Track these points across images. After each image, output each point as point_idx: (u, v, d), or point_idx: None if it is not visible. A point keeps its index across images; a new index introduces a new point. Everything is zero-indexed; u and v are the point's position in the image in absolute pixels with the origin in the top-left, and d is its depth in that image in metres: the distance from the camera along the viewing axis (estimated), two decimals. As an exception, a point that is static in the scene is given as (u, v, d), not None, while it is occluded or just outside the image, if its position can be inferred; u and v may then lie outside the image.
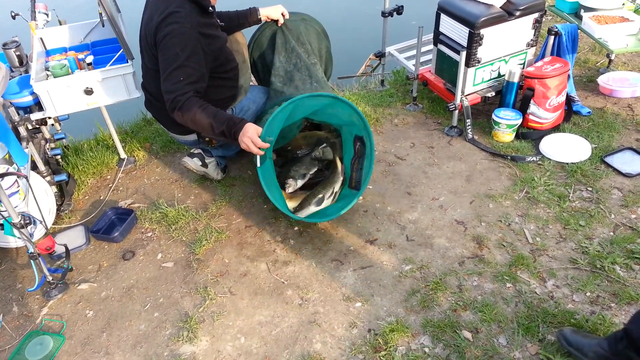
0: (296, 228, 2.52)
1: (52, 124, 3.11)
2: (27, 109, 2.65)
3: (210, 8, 2.36)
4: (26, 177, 2.08)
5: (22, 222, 2.08)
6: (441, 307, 2.05)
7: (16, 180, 2.12)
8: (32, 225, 2.16)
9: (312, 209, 2.51)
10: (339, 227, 2.50)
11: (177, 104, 2.21)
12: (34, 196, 2.13)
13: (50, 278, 2.28)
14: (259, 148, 2.20)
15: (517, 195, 2.57)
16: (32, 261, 2.18)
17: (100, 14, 2.66)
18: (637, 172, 2.63)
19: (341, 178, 2.61)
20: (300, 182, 2.61)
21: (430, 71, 3.29)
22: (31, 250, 2.15)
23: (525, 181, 2.64)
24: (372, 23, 5.07)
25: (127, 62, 2.53)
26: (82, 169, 3.03)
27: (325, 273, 2.27)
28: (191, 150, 2.75)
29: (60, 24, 3.10)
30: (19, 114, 2.53)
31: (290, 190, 2.55)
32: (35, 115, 2.52)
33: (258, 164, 2.25)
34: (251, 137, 2.19)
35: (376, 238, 2.42)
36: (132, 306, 2.23)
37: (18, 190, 2.13)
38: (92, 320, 2.19)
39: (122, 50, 2.49)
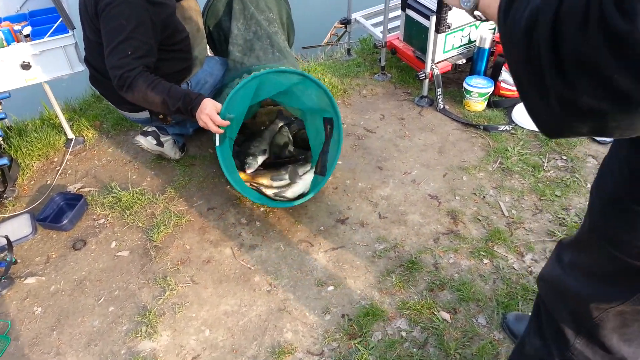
0: (262, 209, 2.37)
1: (-9, 103, 2.84)
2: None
3: None
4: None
5: (-48, 214, 1.85)
6: (417, 288, 1.95)
7: (-58, 168, 1.88)
8: (-36, 217, 1.93)
9: (271, 188, 2.35)
10: (308, 206, 2.36)
11: (125, 81, 1.99)
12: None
13: (-10, 274, 2.07)
14: (219, 126, 2.02)
15: (490, 167, 2.48)
16: (-33, 257, 1.96)
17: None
18: (611, 139, 2.56)
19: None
20: (260, 159, 2.44)
21: (398, 38, 3.14)
22: (-34, 244, 1.93)
23: (499, 151, 2.55)
24: None
25: (68, 32, 2.28)
26: (27, 152, 2.78)
27: (295, 256, 2.13)
28: (144, 129, 2.53)
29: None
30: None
31: (250, 170, 2.38)
32: (-35, 94, 2.26)
33: (217, 143, 2.07)
34: (209, 114, 2.00)
35: (347, 217, 2.29)
36: (84, 300, 2.05)
37: (-55, 179, 1.89)
38: (40, 317, 2.00)
39: (61, 19, 2.23)
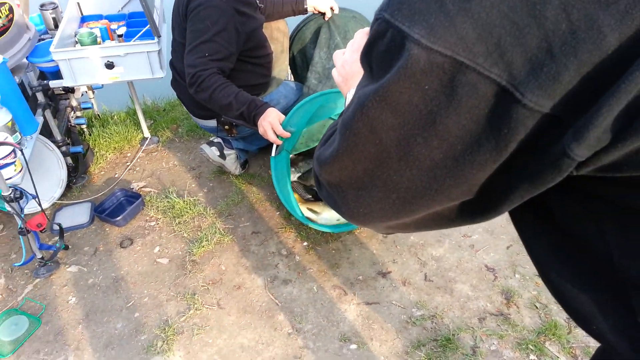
0: (305, 243, 2.28)
1: (85, 91, 3.03)
2: (56, 74, 2.55)
3: None
4: (21, 150, 1.95)
5: (12, 195, 1.96)
6: (447, 369, 1.76)
7: (13, 151, 2.00)
8: (24, 199, 2.03)
9: (323, 219, 2.26)
10: (352, 249, 2.24)
11: (197, 79, 2.04)
12: (29, 170, 2.00)
13: (39, 256, 2.16)
14: (278, 137, 1.99)
15: (564, 247, 2.20)
16: (20, 237, 2.06)
17: (132, -17, 2.50)
18: None
19: None
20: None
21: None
22: (21, 225, 2.03)
23: (577, 231, 2.26)
24: None
25: (154, 39, 2.35)
26: (104, 143, 2.92)
27: (325, 302, 2.02)
28: (211, 139, 2.56)
29: (105, -10, 2.98)
30: (40, 80, 2.42)
31: (296, 175, 2.34)
32: (54, 83, 2.40)
33: (273, 153, 2.04)
34: (272, 122, 1.98)
35: (390, 271, 2.14)
36: (115, 300, 2.08)
37: (14, 162, 2.01)
38: (72, 308, 2.06)
39: (148, 25, 2.32)
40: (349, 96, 0.88)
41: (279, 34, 2.58)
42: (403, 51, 0.47)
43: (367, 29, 0.96)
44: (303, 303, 2.02)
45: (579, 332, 1.86)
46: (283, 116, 2.02)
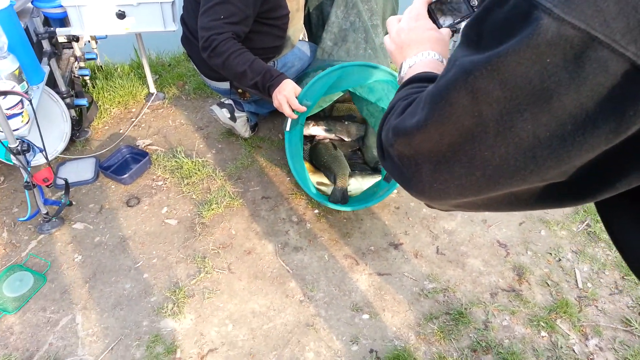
0: (316, 210, 2.25)
1: (88, 41, 2.90)
2: (61, 21, 2.43)
3: None
4: (30, 100, 1.87)
5: (19, 147, 1.88)
6: (459, 343, 1.76)
7: (21, 101, 1.91)
8: (31, 152, 1.96)
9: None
10: (364, 219, 2.22)
11: (211, 43, 1.93)
12: (37, 122, 1.92)
13: (44, 211, 2.11)
14: (294, 111, 1.92)
15: (575, 227, 2.21)
16: (26, 191, 2.00)
17: None
18: None
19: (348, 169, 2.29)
20: (318, 130, 2.40)
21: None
22: (27, 179, 1.97)
23: (589, 212, 2.27)
24: None
25: (168, -11, 2.24)
26: (108, 96, 2.82)
27: (337, 271, 2.01)
28: (222, 100, 2.48)
29: None
30: (45, 26, 2.30)
31: (305, 130, 2.32)
32: (61, 31, 2.29)
33: (287, 128, 1.98)
34: (287, 95, 1.90)
35: (402, 242, 2.12)
36: (123, 260, 2.04)
37: (21, 113, 1.92)
38: (78, 266, 2.02)
39: (163, -26, 2.20)
40: (405, 66, 0.82)
41: (295, -9, 2.47)
42: (529, 20, 0.43)
43: None
44: (314, 271, 2.00)
45: (590, 311, 1.88)
46: (299, 89, 1.93)
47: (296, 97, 1.92)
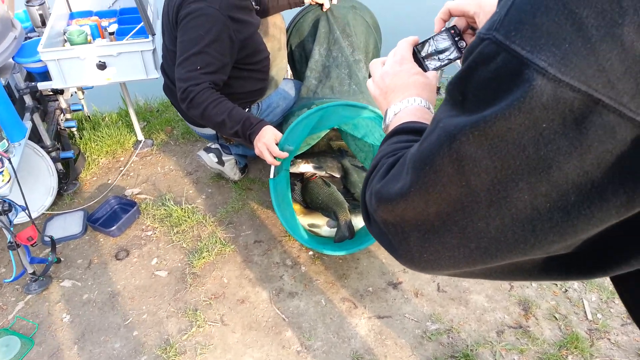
0: (311, 252, 2.18)
1: (75, 92, 2.89)
2: (44, 75, 2.41)
3: None
4: (9, 159, 1.82)
5: (0, 208, 1.83)
6: (466, 388, 1.67)
7: (0, 160, 1.87)
8: (13, 211, 1.91)
9: (326, 230, 2.17)
10: (361, 259, 2.14)
11: (188, 95, 1.89)
12: (17, 180, 1.87)
13: (31, 271, 2.04)
14: (275, 157, 1.87)
15: (580, 253, 2.13)
16: (10, 252, 1.94)
17: (123, -21, 2.37)
18: None
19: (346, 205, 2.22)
20: (307, 168, 2.33)
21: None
22: (10, 239, 1.91)
23: (593, 236, 2.19)
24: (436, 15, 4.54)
25: (148, 37, 2.22)
26: (96, 146, 2.79)
27: (335, 316, 1.92)
28: (208, 145, 2.44)
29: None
30: (27, 81, 2.28)
31: (292, 168, 2.27)
32: (43, 85, 2.27)
33: (271, 175, 1.91)
34: (267, 143, 1.85)
35: (401, 281, 2.04)
36: (112, 318, 1.96)
37: (1, 172, 1.88)
38: (67, 326, 1.94)
39: (142, 23, 2.18)
40: (390, 113, 0.77)
41: (275, 30, 2.45)
42: (520, 81, 0.38)
43: (410, 38, 0.85)
44: (311, 318, 1.92)
45: (602, 345, 1.78)
46: (280, 134, 1.88)
47: (277, 143, 1.86)
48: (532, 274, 0.51)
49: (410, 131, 0.67)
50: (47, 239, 2.13)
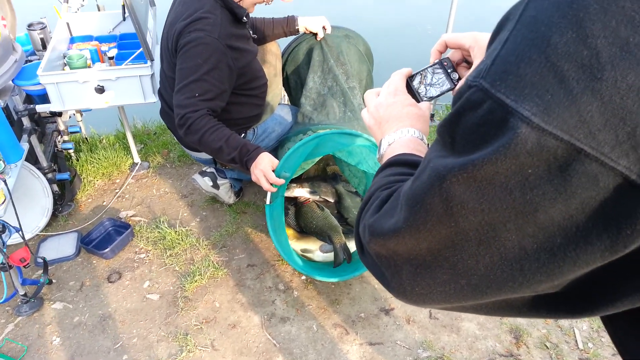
0: (303, 277, 2.18)
1: (73, 114, 2.92)
2: (43, 97, 2.44)
3: (244, 18, 2.05)
4: (4, 181, 1.84)
5: (-7, 229, 1.84)
6: (457, 418, 1.66)
7: (-4, 182, 1.88)
8: (6, 232, 1.91)
9: (319, 255, 2.17)
10: (353, 284, 2.14)
11: (186, 121, 1.92)
12: (12, 202, 1.88)
13: (22, 292, 2.04)
14: (272, 184, 1.88)
15: (571, 281, 2.13)
16: (2, 273, 1.94)
17: (123, 5, 2.42)
18: None
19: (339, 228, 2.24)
20: (302, 192, 2.34)
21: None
22: (2, 260, 1.91)
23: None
24: (430, 48, 4.62)
25: (147, 63, 2.26)
26: (92, 168, 2.80)
27: (326, 342, 1.92)
28: (204, 168, 2.46)
29: (99, 10, 2.89)
30: (26, 103, 2.31)
31: (287, 193, 2.29)
32: (41, 108, 2.30)
33: (267, 201, 1.93)
34: (264, 170, 1.87)
35: (393, 307, 2.04)
36: (102, 341, 1.95)
37: (-4, 193, 1.89)
38: (56, 349, 1.93)
39: (141, 48, 2.23)
40: (384, 143, 0.79)
41: (271, 56, 2.50)
42: (505, 128, 0.40)
43: (404, 70, 0.88)
44: (302, 343, 1.91)
45: (593, 375, 1.78)
46: (276, 161, 1.90)
47: (274, 170, 1.88)
48: (522, 311, 0.52)
49: (403, 164, 0.69)
50: (39, 260, 2.13)
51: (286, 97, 2.75)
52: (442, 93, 0.88)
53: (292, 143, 2.21)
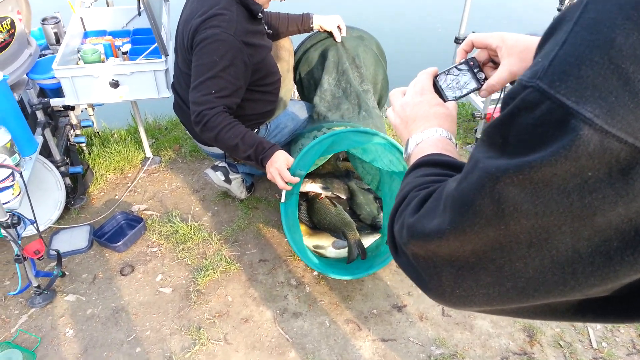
0: (315, 273, 2.18)
1: (85, 108, 2.93)
2: (57, 91, 2.46)
3: (260, 14, 2.05)
4: (20, 173, 1.85)
5: (9, 221, 1.85)
6: (470, 415, 1.65)
7: (12, 174, 1.89)
8: (21, 224, 1.92)
9: (331, 251, 2.17)
10: (365, 281, 2.14)
11: (202, 118, 1.92)
12: (27, 194, 1.89)
13: (36, 284, 2.05)
14: (287, 182, 1.88)
15: (585, 280, 2.12)
16: (17, 264, 1.95)
17: (139, 0, 2.42)
18: None
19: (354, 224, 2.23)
20: (314, 187, 2.34)
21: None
22: (17, 252, 1.92)
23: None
24: (440, 47, 4.62)
25: (161, 58, 2.27)
26: (104, 162, 2.81)
27: (339, 337, 1.92)
28: (216, 163, 2.46)
29: (108, 5, 2.90)
30: (40, 97, 2.32)
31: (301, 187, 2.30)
32: (55, 101, 2.31)
33: (282, 199, 1.92)
34: (279, 168, 1.86)
35: (406, 304, 2.04)
36: (115, 333, 1.96)
37: (12, 185, 1.90)
38: (69, 341, 1.94)
39: (156, 43, 2.23)
40: (412, 143, 0.78)
41: (284, 52, 2.50)
42: (566, 129, 0.39)
43: (430, 69, 0.88)
44: (315, 339, 1.91)
45: (607, 374, 1.77)
46: (291, 159, 1.89)
47: (289, 168, 1.88)
48: (566, 315, 0.51)
49: (436, 164, 0.68)
50: (52, 252, 2.14)
51: (296, 93, 2.75)
52: (469, 93, 0.88)
53: (306, 139, 2.21)
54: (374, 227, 2.30)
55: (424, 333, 1.92)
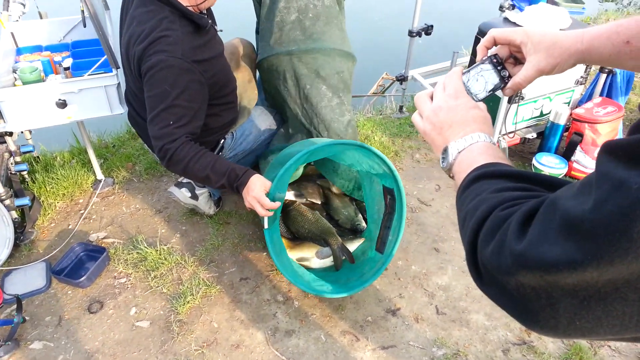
0: (302, 286, 2.09)
1: (22, 132, 2.66)
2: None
3: (207, 24, 1.89)
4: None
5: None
6: (484, 414, 1.63)
7: (-45, 216, 1.66)
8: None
9: (316, 262, 2.10)
10: (354, 288, 2.08)
11: (166, 153, 1.78)
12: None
13: (-7, 336, 1.82)
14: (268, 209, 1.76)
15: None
16: (-31, 317, 1.72)
17: (82, 10, 2.21)
18: None
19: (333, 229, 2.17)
20: (287, 194, 2.26)
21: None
22: (-31, 304, 1.69)
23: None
24: (397, 41, 4.63)
25: (112, 72, 2.08)
26: (51, 190, 2.56)
27: (338, 351, 1.84)
28: (179, 179, 2.30)
29: (41, 18, 2.65)
30: (-27, 125, 2.07)
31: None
32: (-7, 129, 2.07)
33: (266, 226, 1.80)
34: (257, 196, 1.74)
35: (399, 307, 2.00)
36: (93, 379, 1.78)
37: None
38: (41, 395, 1.74)
39: (105, 56, 2.05)
40: (453, 150, 0.72)
41: (246, 60, 2.38)
42: None
43: (457, 69, 0.82)
44: (313, 356, 1.83)
45: (604, 352, 1.81)
46: (269, 183, 1.77)
47: (267, 194, 1.76)
48: None
49: (505, 176, 0.62)
50: (9, 296, 1.92)
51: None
52: (493, 91, 0.83)
53: (274, 156, 2.14)
54: (354, 231, 2.24)
55: (422, 335, 1.89)
